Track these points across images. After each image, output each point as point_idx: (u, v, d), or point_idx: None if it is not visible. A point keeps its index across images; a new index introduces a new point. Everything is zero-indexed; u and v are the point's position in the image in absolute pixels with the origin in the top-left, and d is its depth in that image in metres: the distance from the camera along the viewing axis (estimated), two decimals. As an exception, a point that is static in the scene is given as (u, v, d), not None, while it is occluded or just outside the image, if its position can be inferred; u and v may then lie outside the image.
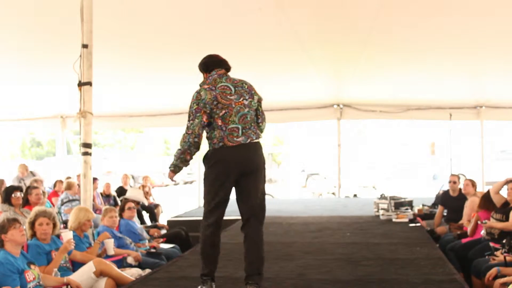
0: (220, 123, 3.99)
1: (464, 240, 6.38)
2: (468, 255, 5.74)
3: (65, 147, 14.52)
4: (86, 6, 5.71)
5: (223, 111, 3.99)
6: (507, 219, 5.75)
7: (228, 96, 4.03)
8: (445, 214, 7.99)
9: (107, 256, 5.47)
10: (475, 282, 5.19)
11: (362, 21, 6.98)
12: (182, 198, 19.93)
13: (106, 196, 10.50)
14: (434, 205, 8.97)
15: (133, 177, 13.46)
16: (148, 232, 7.32)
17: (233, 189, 4.09)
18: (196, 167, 14.21)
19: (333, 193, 14.93)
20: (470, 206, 6.97)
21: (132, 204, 6.96)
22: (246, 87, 4.15)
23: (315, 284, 4.36)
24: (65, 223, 7.35)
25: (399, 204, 8.34)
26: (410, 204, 8.44)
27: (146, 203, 9.83)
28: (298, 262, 5.22)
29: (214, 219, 4.01)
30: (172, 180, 4.23)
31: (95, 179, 9.31)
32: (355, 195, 13.95)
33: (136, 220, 7.41)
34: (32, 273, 4.25)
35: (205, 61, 4.28)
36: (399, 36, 7.61)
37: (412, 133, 23.28)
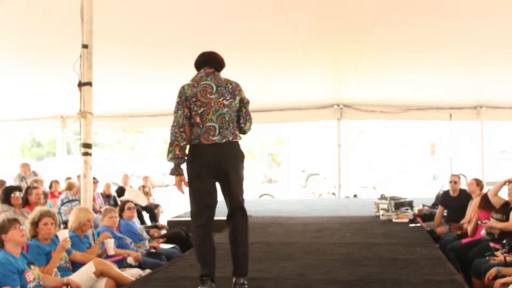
0: (198, 121, 4.04)
1: (464, 240, 6.38)
2: (468, 255, 5.74)
3: (65, 147, 14.53)
4: (86, 6, 5.72)
5: (202, 109, 4.05)
6: (507, 219, 5.74)
7: (208, 95, 4.08)
8: (445, 214, 7.98)
9: (107, 256, 5.47)
10: (475, 283, 5.19)
11: (362, 22, 6.99)
12: (182, 198, 19.92)
13: (106, 197, 10.51)
14: (434, 205, 8.96)
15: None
16: (148, 232, 7.31)
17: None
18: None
19: (333, 193, 14.92)
20: (474, 206, 6.95)
21: (132, 204, 6.96)
22: (230, 87, 4.15)
23: (315, 284, 4.36)
24: (65, 223, 7.35)
25: (399, 205, 8.33)
26: (410, 204, 8.43)
27: (143, 204, 9.83)
28: (298, 262, 5.22)
29: (205, 220, 4.05)
30: (182, 190, 4.13)
31: (95, 180, 9.32)
32: (355, 195, 13.94)
33: (136, 220, 7.42)
34: (32, 273, 4.25)
35: (197, 59, 4.34)
36: (399, 37, 7.62)
37: (412, 134, 23.29)
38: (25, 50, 7.99)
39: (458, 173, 8.53)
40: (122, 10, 6.50)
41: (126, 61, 8.74)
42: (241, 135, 4.21)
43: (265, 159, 27.62)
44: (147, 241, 6.71)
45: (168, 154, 4.06)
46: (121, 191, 11.19)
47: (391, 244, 6.18)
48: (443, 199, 8.06)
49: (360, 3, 6.48)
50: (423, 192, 15.79)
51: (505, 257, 4.87)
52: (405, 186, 19.29)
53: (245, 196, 4.22)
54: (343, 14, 6.81)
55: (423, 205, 9.01)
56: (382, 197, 8.78)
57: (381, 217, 8.32)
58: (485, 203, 6.35)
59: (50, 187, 9.97)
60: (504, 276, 4.48)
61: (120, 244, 5.97)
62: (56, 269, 4.73)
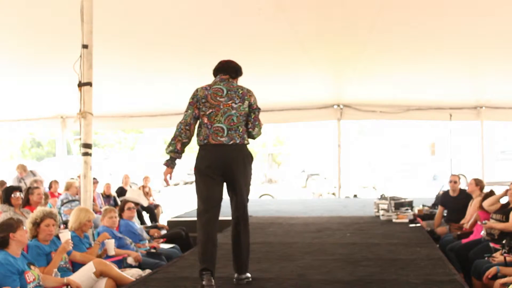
0: (206, 121, 4.24)
1: (464, 241, 6.38)
2: (468, 256, 5.74)
3: (65, 148, 14.53)
4: (86, 6, 5.71)
5: (210, 110, 4.24)
6: (507, 220, 5.75)
7: (218, 98, 4.27)
8: (445, 214, 7.98)
9: (107, 257, 5.46)
10: (475, 283, 5.19)
11: (362, 22, 6.99)
12: (183, 198, 19.94)
13: (106, 197, 10.51)
14: (434, 205, 8.96)
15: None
16: (148, 233, 7.31)
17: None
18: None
19: (333, 194, 14.93)
20: (475, 206, 6.95)
21: (132, 205, 6.96)
22: (240, 92, 4.32)
23: (315, 285, 4.36)
24: (65, 223, 7.35)
25: (399, 205, 8.33)
26: (410, 204, 8.43)
27: (145, 204, 9.83)
28: (298, 262, 5.22)
29: (209, 216, 4.15)
30: (167, 180, 4.28)
31: (94, 180, 9.32)
32: (355, 196, 13.94)
33: (136, 220, 7.41)
34: (32, 274, 4.25)
35: (215, 66, 4.56)
36: (399, 37, 7.61)
37: (412, 134, 23.29)
38: (25, 50, 7.99)
39: (458, 173, 8.52)
40: (122, 10, 6.50)
41: (126, 61, 8.74)
42: (249, 139, 4.36)
43: (265, 159, 27.64)
44: (147, 241, 6.71)
45: (168, 147, 4.30)
46: (121, 191, 11.20)
47: (391, 244, 6.18)
48: (443, 199, 8.06)
49: (360, 3, 6.48)
50: (423, 192, 15.79)
51: (505, 257, 4.87)
52: (405, 186, 19.30)
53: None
54: (343, 14, 6.81)
55: (423, 205, 9.01)
56: (382, 197, 8.78)
57: (381, 217, 8.32)
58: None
59: (50, 187, 9.97)
60: (504, 276, 4.48)
61: (120, 244, 5.96)
62: (56, 270, 4.73)
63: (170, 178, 4.29)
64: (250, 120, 4.34)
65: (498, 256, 5.01)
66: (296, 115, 13.04)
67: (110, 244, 5.49)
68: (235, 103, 4.26)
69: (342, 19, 6.95)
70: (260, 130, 4.39)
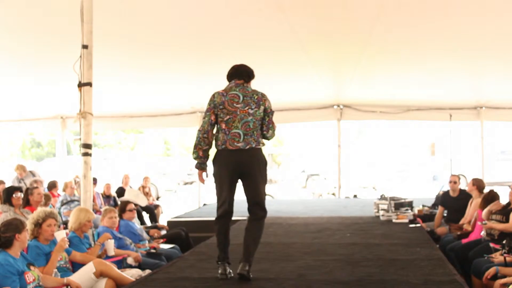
0: (224, 127, 4.47)
1: (464, 241, 6.38)
2: (468, 256, 5.74)
3: (65, 148, 14.52)
4: (86, 6, 5.71)
5: (228, 117, 4.45)
6: (507, 220, 5.75)
7: (235, 104, 4.47)
8: (445, 214, 7.98)
9: (107, 257, 5.46)
10: (475, 282, 5.19)
11: (362, 22, 6.99)
12: (183, 198, 19.95)
13: (106, 197, 10.51)
14: (434, 205, 8.96)
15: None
16: (148, 233, 7.31)
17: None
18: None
19: (333, 194, 14.93)
20: (474, 207, 6.94)
21: (133, 206, 6.96)
22: (255, 98, 4.51)
23: (315, 285, 4.36)
24: (64, 223, 7.35)
25: (399, 205, 8.33)
26: (410, 204, 8.42)
27: (143, 204, 9.83)
28: (298, 262, 5.22)
29: (222, 212, 4.52)
30: (202, 180, 4.66)
31: (94, 180, 9.32)
32: (355, 196, 13.94)
33: (136, 220, 7.41)
34: (32, 274, 4.25)
35: (229, 71, 4.72)
36: (399, 37, 7.61)
37: (412, 134, 23.29)
38: (25, 50, 7.98)
39: (458, 174, 8.52)
40: (122, 10, 6.49)
41: (126, 62, 8.73)
42: (264, 141, 4.59)
43: (265, 159, 27.59)
44: (147, 242, 6.71)
45: (193, 154, 4.61)
46: (121, 191, 11.19)
47: (391, 244, 6.18)
48: (443, 199, 8.06)
49: (360, 4, 6.48)
50: (423, 192, 15.79)
51: (505, 258, 4.87)
52: (405, 187, 19.29)
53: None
54: (343, 15, 6.81)
55: (423, 206, 9.01)
56: (382, 198, 8.77)
57: (381, 218, 8.32)
58: (486, 204, 6.35)
59: (49, 188, 9.96)
60: (504, 276, 4.48)
61: (120, 245, 5.96)
62: (56, 270, 4.73)
63: (207, 176, 4.64)
64: (265, 123, 4.53)
65: (498, 256, 5.01)
66: (296, 115, 13.04)
67: (110, 245, 5.49)
68: (251, 109, 4.46)
69: (342, 19, 6.95)
70: (274, 132, 4.61)
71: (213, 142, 4.56)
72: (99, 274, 4.81)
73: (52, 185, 9.91)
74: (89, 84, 5.84)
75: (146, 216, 10.64)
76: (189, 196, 19.52)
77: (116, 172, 16.19)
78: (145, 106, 12.75)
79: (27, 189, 7.06)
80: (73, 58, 5.82)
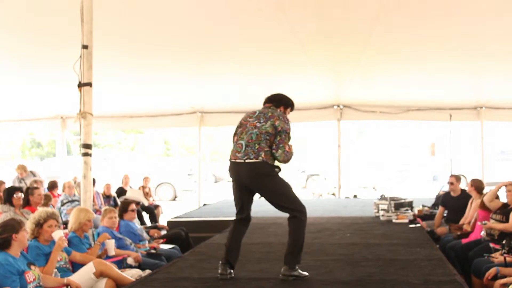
0: (234, 139, 4.66)
1: (464, 241, 6.38)
2: (468, 256, 5.74)
3: (65, 148, 14.52)
4: (86, 7, 5.71)
5: (239, 129, 4.64)
6: (507, 220, 5.75)
7: (248, 118, 4.63)
8: (445, 215, 7.98)
9: (107, 257, 5.46)
10: (475, 282, 5.19)
11: (362, 22, 6.99)
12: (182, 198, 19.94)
13: (106, 197, 10.51)
14: (434, 206, 8.96)
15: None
16: (148, 233, 7.31)
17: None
18: (196, 169, 14.23)
19: (333, 194, 14.90)
20: (474, 207, 6.94)
21: (134, 206, 6.96)
22: (268, 115, 4.58)
23: (315, 285, 4.36)
24: (65, 224, 7.35)
25: (399, 205, 8.33)
26: (410, 205, 8.42)
27: (146, 203, 9.83)
28: (298, 262, 5.22)
29: (238, 217, 4.70)
30: None
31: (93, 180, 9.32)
32: (355, 196, 13.93)
33: (136, 221, 7.41)
34: (32, 274, 4.25)
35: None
36: (399, 37, 7.61)
37: (412, 134, 23.27)
38: (25, 50, 7.98)
39: (458, 174, 8.51)
40: (122, 10, 6.49)
41: (126, 62, 8.73)
42: (275, 160, 4.56)
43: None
44: (147, 242, 6.70)
45: None
46: (121, 191, 11.19)
47: (391, 244, 6.18)
48: (444, 199, 8.05)
49: (360, 4, 6.48)
50: (423, 192, 15.78)
51: (505, 258, 4.87)
52: (405, 187, 19.28)
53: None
54: (343, 15, 6.80)
55: (423, 206, 9.01)
56: (382, 198, 8.77)
57: (381, 218, 8.31)
58: (485, 204, 6.36)
59: (50, 188, 9.96)
60: (504, 276, 4.48)
61: (120, 245, 5.96)
62: (56, 270, 4.72)
63: None
64: (275, 142, 4.52)
65: (498, 256, 5.00)
66: (296, 116, 12.86)
67: (110, 244, 5.49)
68: (259, 123, 4.54)
69: (342, 19, 6.95)
70: (284, 153, 4.51)
71: None
72: (99, 274, 4.80)
73: (53, 185, 9.92)
74: (89, 84, 5.84)
75: (146, 216, 10.64)
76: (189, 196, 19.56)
77: (116, 172, 16.18)
78: (145, 106, 12.75)
79: (27, 189, 7.06)
80: (73, 58, 5.81)
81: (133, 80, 10.04)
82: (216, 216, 8.83)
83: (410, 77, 10.13)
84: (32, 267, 4.32)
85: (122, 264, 5.66)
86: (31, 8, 6.30)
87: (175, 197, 20.10)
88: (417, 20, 6.88)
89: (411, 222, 7.92)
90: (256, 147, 4.47)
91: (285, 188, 4.60)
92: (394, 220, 8.09)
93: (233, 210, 4.73)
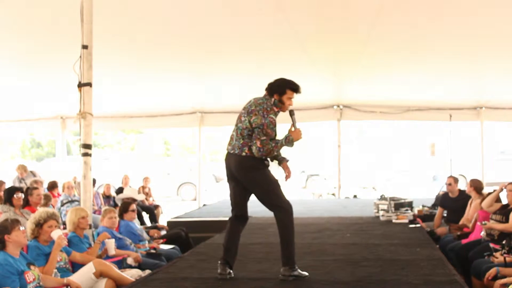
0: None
1: (464, 241, 6.38)
2: (468, 256, 5.74)
3: (65, 148, 14.52)
4: (86, 7, 5.71)
5: (237, 120, 4.68)
6: (506, 221, 5.75)
7: (242, 110, 4.67)
8: (445, 215, 7.98)
9: (107, 257, 5.46)
10: (475, 283, 5.19)
11: (362, 22, 6.99)
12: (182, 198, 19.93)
13: (106, 197, 10.51)
14: (434, 206, 8.96)
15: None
16: (148, 233, 7.31)
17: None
18: (196, 167, 14.23)
19: (333, 194, 14.90)
20: (474, 208, 6.94)
21: (135, 206, 6.96)
22: (252, 108, 4.58)
23: (315, 285, 4.36)
24: (65, 224, 7.34)
25: (399, 205, 8.33)
26: (410, 205, 8.42)
27: (141, 198, 9.84)
28: (298, 263, 5.18)
29: (233, 214, 4.73)
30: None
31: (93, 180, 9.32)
32: (355, 196, 13.93)
33: (136, 221, 7.41)
34: (32, 274, 4.25)
35: None
36: (399, 37, 7.61)
37: (412, 134, 23.26)
38: (25, 50, 7.98)
39: (457, 174, 8.51)
40: (122, 10, 6.49)
41: (126, 62, 8.73)
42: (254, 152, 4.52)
43: (265, 159, 27.49)
44: (147, 242, 6.71)
45: None
46: (120, 191, 11.18)
47: (391, 244, 6.18)
48: (443, 200, 8.06)
49: (360, 4, 6.48)
50: (423, 192, 15.78)
51: (505, 258, 4.87)
52: (405, 187, 19.27)
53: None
54: (343, 15, 6.81)
55: (423, 206, 9.01)
56: (382, 198, 8.77)
57: (381, 218, 8.31)
58: None
59: (49, 188, 9.96)
60: (504, 276, 4.48)
61: (120, 245, 5.96)
62: (56, 270, 4.72)
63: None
64: (252, 137, 4.51)
65: (498, 257, 5.00)
66: (296, 116, 12.97)
67: (111, 244, 5.48)
68: (244, 117, 4.59)
69: (342, 19, 6.95)
70: (256, 149, 4.46)
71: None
72: (99, 274, 4.81)
73: (52, 185, 9.91)
74: (89, 84, 5.84)
75: (146, 216, 10.64)
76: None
77: (116, 172, 16.18)
78: (145, 106, 12.74)
79: (27, 189, 7.06)
80: (73, 58, 5.81)
81: (133, 80, 10.03)
82: (216, 216, 8.83)
83: (410, 77, 10.12)
84: (32, 267, 4.32)
85: (122, 264, 5.66)
86: (31, 8, 6.30)
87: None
88: (417, 20, 6.88)
89: (411, 222, 7.92)
90: (241, 142, 4.54)
91: (271, 184, 4.59)
92: (394, 220, 8.09)
93: (228, 210, 4.78)
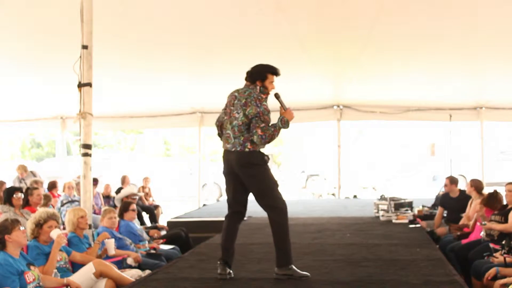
0: (224, 127, 4.68)
1: (464, 241, 6.38)
2: (468, 256, 5.74)
3: (65, 148, 14.52)
4: (86, 7, 5.71)
5: (225, 117, 4.66)
6: (506, 221, 5.75)
7: (231, 106, 4.62)
8: (445, 215, 7.98)
9: (107, 257, 5.46)
10: (475, 283, 5.19)
11: (362, 22, 6.99)
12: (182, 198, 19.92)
13: (105, 197, 10.50)
14: (434, 206, 8.96)
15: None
16: (148, 233, 7.31)
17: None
18: (196, 167, 14.23)
19: (333, 194, 14.91)
20: (474, 208, 6.93)
21: (135, 206, 6.96)
22: (243, 101, 4.54)
23: (314, 285, 4.36)
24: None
25: (399, 205, 8.33)
26: (410, 205, 8.42)
27: (138, 191, 9.84)
28: (298, 263, 5.19)
29: (230, 212, 4.70)
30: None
31: (95, 180, 9.32)
32: (355, 196, 13.93)
33: (136, 221, 7.41)
34: (32, 274, 4.25)
35: None
36: (399, 37, 7.61)
37: (412, 134, 23.25)
38: (25, 50, 7.98)
39: (457, 174, 8.53)
40: (122, 10, 6.50)
41: (126, 62, 8.73)
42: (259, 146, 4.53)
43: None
44: (147, 242, 6.70)
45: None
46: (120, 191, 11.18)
47: (391, 244, 6.18)
48: (443, 200, 8.06)
49: (360, 3, 6.48)
50: (423, 192, 15.77)
51: (504, 258, 4.87)
52: (405, 187, 19.27)
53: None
54: (343, 15, 6.81)
55: (423, 206, 9.01)
56: (382, 198, 8.77)
57: (381, 218, 8.31)
58: (490, 201, 6.36)
59: (49, 188, 9.96)
60: (504, 276, 4.48)
61: (120, 245, 5.96)
62: (56, 270, 4.72)
63: None
64: (251, 128, 4.48)
65: (499, 257, 5.00)
66: (296, 116, 12.80)
67: (110, 244, 5.48)
68: (237, 113, 4.54)
69: (342, 19, 6.95)
70: (259, 138, 4.45)
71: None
72: (99, 275, 4.81)
73: (52, 186, 9.91)
74: (89, 84, 5.84)
75: (146, 216, 10.64)
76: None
77: (116, 173, 16.18)
78: (145, 106, 12.75)
79: (27, 189, 7.06)
80: (73, 58, 5.81)
81: (133, 80, 10.04)
82: (216, 216, 8.83)
83: (410, 77, 10.13)
84: (32, 267, 4.32)
85: (122, 264, 5.66)
86: (31, 8, 6.30)
87: (220, 196, 20.04)
88: (416, 20, 6.89)
89: (411, 222, 7.92)
90: (242, 139, 4.50)
91: (270, 182, 4.58)
92: (394, 220, 8.09)
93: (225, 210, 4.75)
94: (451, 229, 7.34)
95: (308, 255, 5.65)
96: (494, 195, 6.43)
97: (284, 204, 4.56)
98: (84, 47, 5.80)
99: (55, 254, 4.75)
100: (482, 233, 5.92)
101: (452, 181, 7.97)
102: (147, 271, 5.44)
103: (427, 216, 8.52)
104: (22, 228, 4.31)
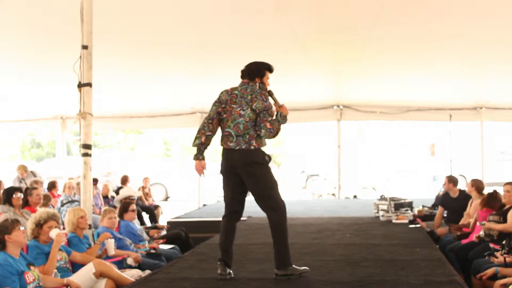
0: (222, 125, 4.63)
1: (464, 241, 6.38)
2: (468, 256, 5.74)
3: (65, 148, 14.51)
4: (86, 7, 5.71)
5: (224, 115, 4.60)
6: (504, 221, 5.76)
7: (232, 104, 4.59)
8: (445, 215, 7.98)
9: (107, 257, 5.46)
10: (475, 283, 5.19)
11: (362, 22, 6.99)
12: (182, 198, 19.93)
13: (105, 197, 10.50)
14: (434, 206, 8.96)
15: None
16: (148, 233, 7.31)
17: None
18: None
19: (333, 194, 14.92)
20: (474, 208, 6.94)
21: (135, 206, 6.96)
22: (248, 98, 4.56)
23: (314, 285, 4.36)
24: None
25: (399, 205, 8.32)
26: (410, 205, 8.42)
27: (138, 194, 9.84)
28: (298, 263, 5.19)
29: (227, 211, 4.67)
30: (201, 171, 4.68)
31: (95, 180, 9.32)
32: (355, 196, 13.93)
33: (136, 221, 7.41)
34: (32, 274, 4.25)
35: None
36: (399, 37, 7.61)
37: (412, 134, 23.26)
38: (25, 50, 7.98)
39: (457, 174, 8.52)
40: (122, 11, 6.50)
41: (126, 62, 8.74)
42: (266, 141, 4.57)
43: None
44: (147, 242, 6.70)
45: (194, 140, 4.64)
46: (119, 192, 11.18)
47: (391, 245, 6.17)
48: (443, 200, 8.06)
49: (360, 3, 6.49)
50: (423, 193, 15.78)
51: (504, 258, 4.87)
52: (405, 187, 19.27)
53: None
54: (343, 14, 6.81)
55: (423, 206, 9.01)
56: (382, 198, 8.77)
57: (381, 218, 8.31)
58: (490, 201, 6.36)
59: (49, 188, 9.96)
60: (503, 276, 4.48)
61: (120, 245, 5.96)
62: (56, 270, 4.72)
63: (204, 168, 4.65)
64: (257, 123, 4.51)
65: (499, 257, 5.00)
66: (296, 116, 12.96)
67: (110, 244, 5.48)
68: (243, 110, 4.53)
69: (342, 19, 6.95)
70: (267, 131, 4.51)
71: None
72: (99, 275, 4.81)
73: (52, 186, 9.91)
74: (89, 84, 5.84)
75: (146, 216, 10.64)
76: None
77: (115, 173, 16.18)
78: (145, 106, 12.75)
79: (26, 189, 7.06)
80: (73, 59, 5.81)
81: (133, 80, 10.04)
82: (216, 216, 8.83)
83: (410, 77, 10.13)
84: (32, 267, 4.31)
85: (122, 264, 5.66)
86: (31, 8, 6.30)
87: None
88: (417, 20, 6.89)
89: (411, 222, 7.91)
90: (247, 137, 4.49)
91: (271, 182, 4.56)
92: (394, 221, 8.09)
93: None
94: (451, 229, 7.35)
95: (308, 255, 5.65)
96: (494, 195, 6.44)
97: (283, 206, 4.56)
98: (84, 47, 5.80)
99: (55, 253, 4.74)
100: (481, 233, 5.92)
101: (451, 180, 7.97)
102: (147, 271, 5.44)
103: (427, 216, 8.52)
104: (22, 228, 4.31)
